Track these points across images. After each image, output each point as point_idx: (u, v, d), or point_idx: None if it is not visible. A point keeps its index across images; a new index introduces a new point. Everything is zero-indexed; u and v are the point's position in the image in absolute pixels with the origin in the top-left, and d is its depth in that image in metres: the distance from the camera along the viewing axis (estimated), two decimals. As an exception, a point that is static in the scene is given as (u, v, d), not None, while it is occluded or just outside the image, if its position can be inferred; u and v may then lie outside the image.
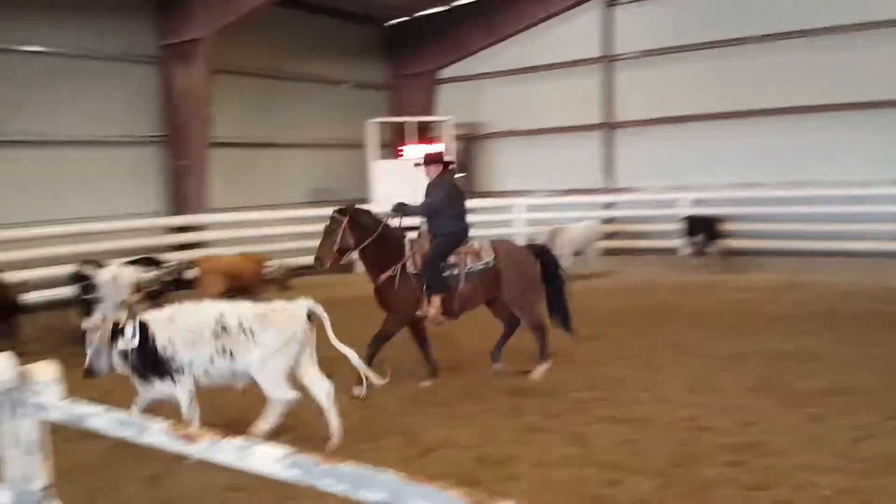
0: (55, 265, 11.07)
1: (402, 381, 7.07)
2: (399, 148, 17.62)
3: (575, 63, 17.41)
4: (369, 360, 6.90)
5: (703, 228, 13.62)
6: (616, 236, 16.47)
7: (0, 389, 1.66)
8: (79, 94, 13.16)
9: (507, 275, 7.09)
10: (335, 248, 6.97)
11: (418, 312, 7.00)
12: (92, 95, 13.35)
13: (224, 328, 5.21)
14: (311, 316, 5.46)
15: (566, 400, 6.39)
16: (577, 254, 13.35)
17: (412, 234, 7.47)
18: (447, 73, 19.42)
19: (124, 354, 5.23)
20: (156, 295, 9.07)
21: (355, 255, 7.15)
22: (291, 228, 14.41)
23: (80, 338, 9.05)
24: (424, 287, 6.93)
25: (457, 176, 8.07)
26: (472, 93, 19.01)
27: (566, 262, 12.98)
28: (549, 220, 14.82)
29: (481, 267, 7.04)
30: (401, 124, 17.90)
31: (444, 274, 6.96)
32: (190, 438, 1.33)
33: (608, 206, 16.84)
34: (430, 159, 7.33)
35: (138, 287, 8.80)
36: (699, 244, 13.62)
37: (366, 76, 19.13)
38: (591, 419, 5.88)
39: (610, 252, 15.74)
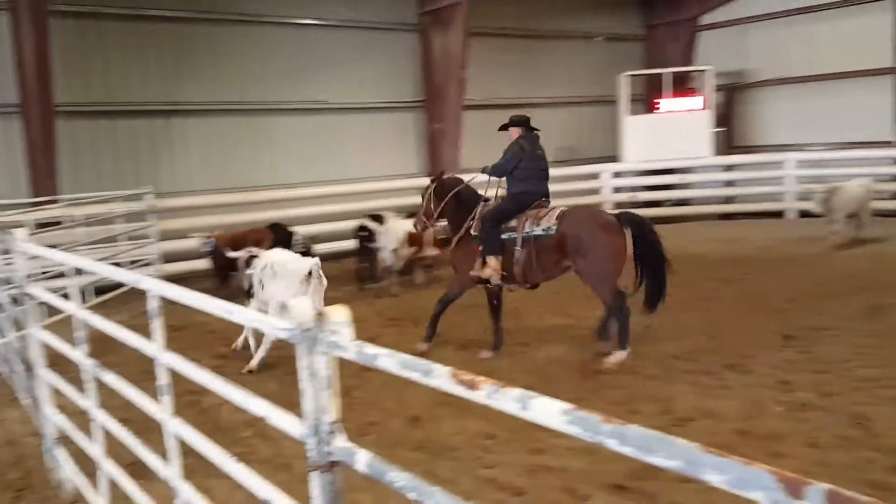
0: (332, 221, 12.34)
1: (654, 346, 6.86)
2: (654, 101, 16.82)
3: (858, 1, 15.22)
4: (434, 321, 7.06)
5: None
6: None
7: (302, 329, 1.83)
8: (350, 63, 14.29)
9: (574, 243, 6.46)
10: (423, 212, 7.38)
11: (471, 273, 6.79)
12: (362, 64, 14.43)
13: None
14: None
15: (846, 377, 5.73)
16: (852, 216, 11.79)
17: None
18: (708, 18, 18.03)
19: None
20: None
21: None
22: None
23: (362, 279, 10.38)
24: (480, 248, 6.72)
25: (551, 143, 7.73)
26: (736, 39, 17.45)
27: (838, 226, 11.59)
28: (825, 178, 13.28)
29: (540, 232, 6.55)
30: (656, 77, 17.04)
31: (503, 237, 6.67)
32: (472, 384, 1.36)
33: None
34: (511, 122, 7.11)
35: (410, 237, 9.82)
36: None
37: (618, 28, 18.42)
38: (875, 399, 5.22)
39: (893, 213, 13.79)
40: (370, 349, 1.73)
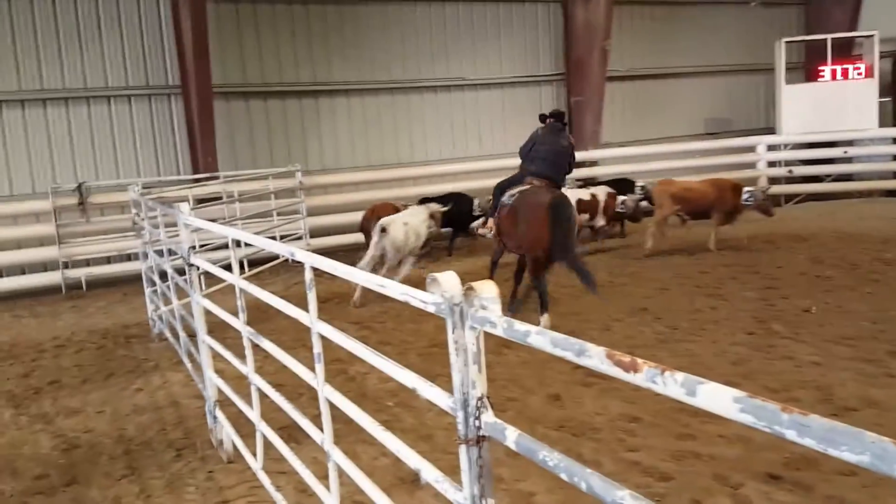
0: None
1: (814, 331, 6.41)
2: (815, 70, 15.57)
3: None
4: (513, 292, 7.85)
5: None
6: None
7: (449, 302, 1.83)
8: (490, 38, 14.26)
9: (513, 214, 7.31)
10: None
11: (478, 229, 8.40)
12: (502, 39, 14.37)
13: None
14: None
15: None
16: None
17: None
18: (877, -22, 16.41)
19: None
20: (624, 215, 11.29)
21: None
22: (681, 163, 13.95)
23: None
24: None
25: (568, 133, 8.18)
26: (909, 0, 15.80)
27: None
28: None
29: (507, 201, 7.43)
30: (817, 43, 15.74)
31: (500, 201, 7.65)
32: (630, 366, 1.30)
33: None
34: (548, 115, 7.97)
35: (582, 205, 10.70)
36: None
37: (776, -9, 17.20)
38: None
39: None
40: (520, 326, 1.70)
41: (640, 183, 11.50)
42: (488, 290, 1.84)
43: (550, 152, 7.66)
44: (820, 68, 15.40)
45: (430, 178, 13.26)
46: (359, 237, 11.20)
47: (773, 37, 15.77)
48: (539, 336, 1.64)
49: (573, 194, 10.49)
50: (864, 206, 13.43)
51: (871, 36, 15.10)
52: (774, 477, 3.85)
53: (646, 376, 1.33)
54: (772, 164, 14.93)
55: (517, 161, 13.64)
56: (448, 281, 1.87)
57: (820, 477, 3.75)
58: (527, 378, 5.69)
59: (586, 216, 10.83)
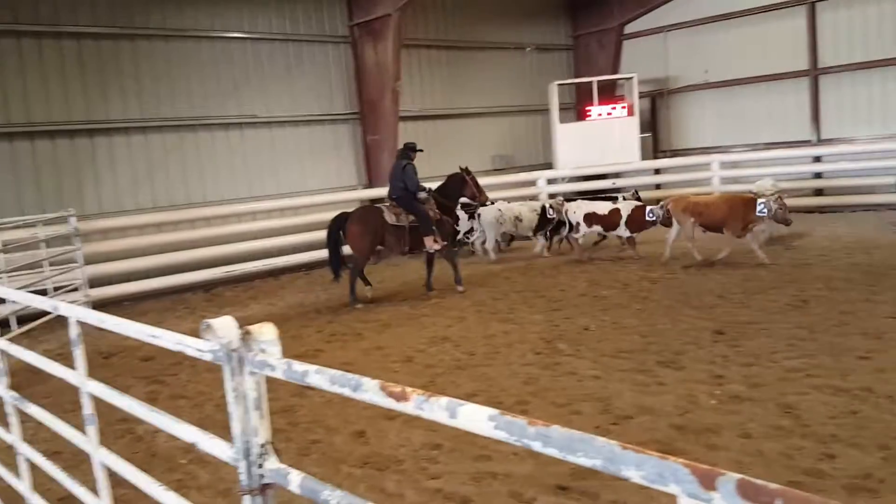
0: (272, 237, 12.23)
1: (593, 347, 6.99)
2: (584, 109, 17.18)
3: (774, 7, 15.94)
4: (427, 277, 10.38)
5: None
6: (824, 192, 15.13)
7: (226, 348, 1.79)
8: (281, 76, 14.13)
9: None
10: None
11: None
12: (293, 77, 14.29)
13: None
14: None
15: (774, 368, 5.94)
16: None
17: None
18: (632, 27, 18.57)
19: None
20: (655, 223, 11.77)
21: None
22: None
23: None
24: None
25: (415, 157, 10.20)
26: (658, 47, 18.04)
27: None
28: (748, 178, 13.83)
29: None
30: (585, 85, 17.42)
31: None
32: (400, 396, 1.36)
33: (816, 159, 15.43)
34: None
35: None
36: None
37: (547, 38, 18.81)
38: (803, 388, 5.43)
39: (818, 210, 14.49)
40: (299, 367, 1.70)
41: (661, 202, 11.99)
42: (267, 333, 1.82)
43: (392, 176, 10.06)
44: (588, 108, 17.04)
45: (224, 219, 12.80)
46: (147, 284, 10.52)
47: (547, 80, 17.22)
48: (318, 375, 1.65)
49: (588, 207, 12.06)
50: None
51: (631, 78, 16.99)
52: (563, 488, 4.12)
53: (414, 404, 1.39)
54: (552, 195, 16.16)
55: (318, 199, 13.78)
56: (223, 327, 1.83)
57: (602, 485, 4.05)
58: (331, 417, 5.63)
59: (598, 227, 12.06)
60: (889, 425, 4.64)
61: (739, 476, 0.95)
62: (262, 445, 1.85)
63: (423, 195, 10.03)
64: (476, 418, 1.28)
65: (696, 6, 17.11)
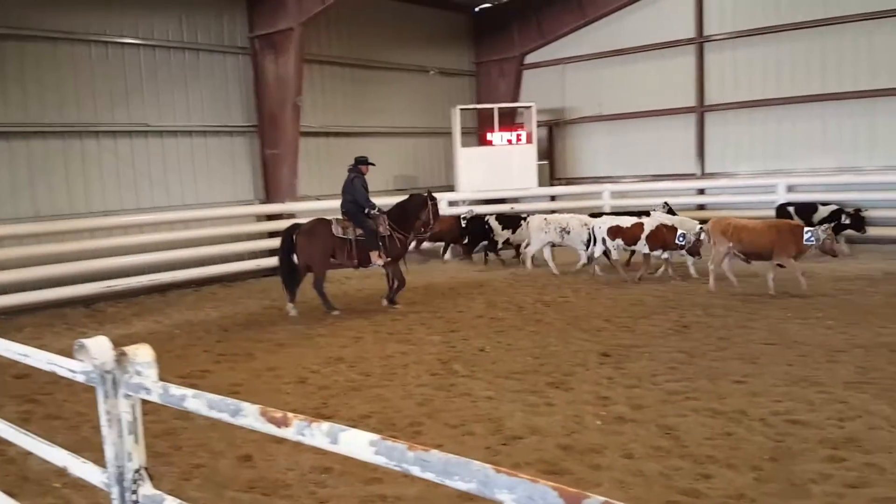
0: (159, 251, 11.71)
1: (487, 368, 7.09)
2: (486, 134, 17.55)
3: (665, 45, 16.85)
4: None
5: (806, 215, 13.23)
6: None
7: (100, 370, 1.71)
8: (176, 85, 13.65)
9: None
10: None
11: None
12: (188, 86, 13.84)
13: None
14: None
15: (655, 391, 6.21)
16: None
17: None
18: (532, 58, 19.17)
19: None
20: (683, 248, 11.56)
21: None
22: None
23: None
24: None
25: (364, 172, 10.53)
26: (557, 77, 18.70)
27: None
28: (638, 207, 14.52)
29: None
30: (487, 111, 17.80)
31: None
32: (281, 422, 1.34)
33: (700, 191, 16.39)
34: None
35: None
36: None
37: (451, 63, 19.11)
38: (682, 410, 5.70)
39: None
40: (176, 390, 1.65)
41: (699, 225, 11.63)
42: (143, 355, 1.75)
43: (344, 190, 10.38)
44: (489, 134, 17.42)
45: (109, 231, 12.20)
46: (23, 297, 9.86)
47: (450, 104, 17.48)
48: (195, 399, 1.60)
49: (613, 221, 12.08)
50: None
51: (530, 107, 17.52)
52: (452, 509, 4.14)
53: (295, 430, 1.37)
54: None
55: (211, 212, 13.37)
56: (98, 347, 1.74)
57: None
58: (216, 441, 5.44)
59: (619, 241, 11.88)
60: (761, 447, 4.93)
61: (603, 499, 0.99)
62: (137, 471, 1.77)
63: (373, 212, 10.23)
64: (357, 444, 1.28)
65: (593, 41, 17.87)
